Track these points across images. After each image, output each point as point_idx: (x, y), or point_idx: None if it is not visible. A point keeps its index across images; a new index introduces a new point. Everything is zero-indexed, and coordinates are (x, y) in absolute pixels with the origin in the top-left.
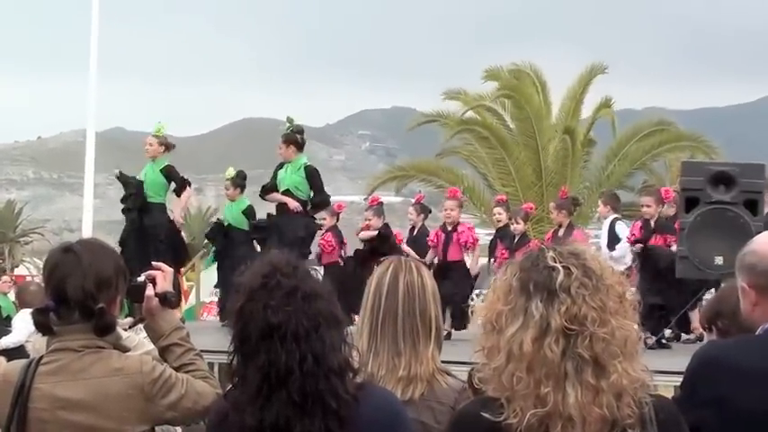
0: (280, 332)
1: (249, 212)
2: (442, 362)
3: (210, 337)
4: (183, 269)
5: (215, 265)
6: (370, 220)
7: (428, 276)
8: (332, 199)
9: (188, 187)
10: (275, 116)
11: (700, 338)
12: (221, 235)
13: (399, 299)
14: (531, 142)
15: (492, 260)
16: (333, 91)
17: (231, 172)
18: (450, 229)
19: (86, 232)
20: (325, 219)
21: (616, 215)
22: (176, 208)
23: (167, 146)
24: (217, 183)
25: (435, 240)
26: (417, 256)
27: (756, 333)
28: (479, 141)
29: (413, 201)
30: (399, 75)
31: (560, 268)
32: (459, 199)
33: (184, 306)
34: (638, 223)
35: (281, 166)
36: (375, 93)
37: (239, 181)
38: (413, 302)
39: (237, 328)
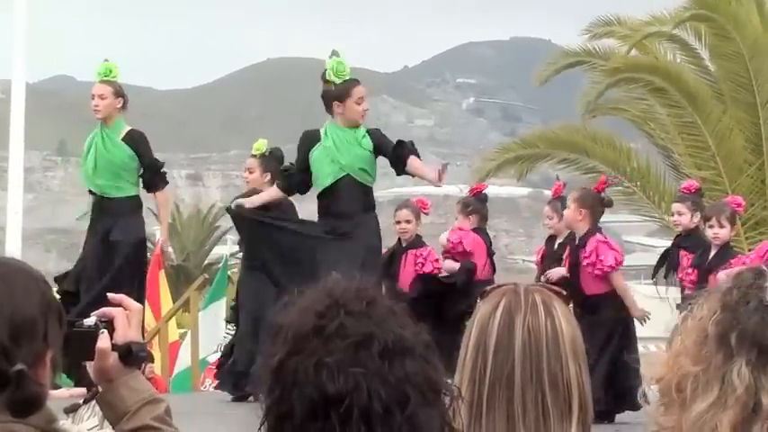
0: (341, 408)
1: None
2: None
3: (215, 419)
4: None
5: (222, 302)
6: (407, 222)
7: (564, 318)
8: (412, 191)
9: (163, 186)
10: (317, 55)
11: None
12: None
13: (516, 354)
14: (746, 96)
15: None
16: (416, 19)
17: (262, 145)
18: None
19: (11, 248)
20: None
21: None
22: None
23: (124, 96)
24: (223, 164)
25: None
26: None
27: None
28: (655, 95)
29: (549, 192)
30: None
31: None
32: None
33: (175, 370)
34: None
35: (314, 137)
36: (484, 18)
37: (272, 162)
38: (538, 360)
39: (273, 399)
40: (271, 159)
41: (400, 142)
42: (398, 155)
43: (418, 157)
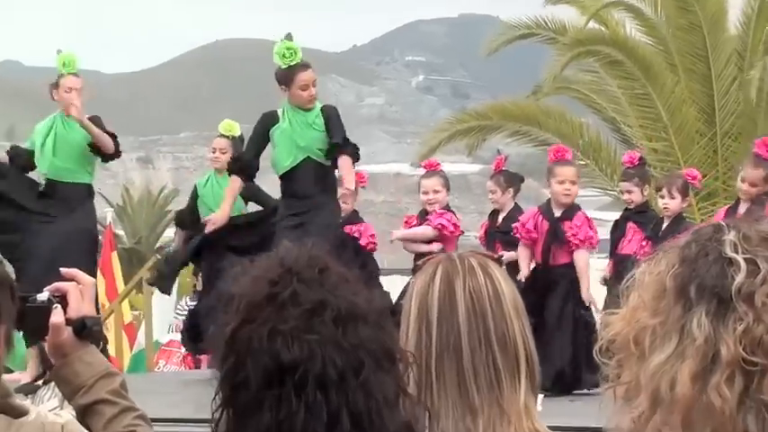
0: (296, 375)
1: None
2: None
3: (170, 398)
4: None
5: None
6: (435, 192)
7: (503, 278)
8: (357, 168)
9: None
10: (265, 35)
11: None
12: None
13: (461, 320)
14: (701, 68)
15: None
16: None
17: (235, 127)
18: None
19: None
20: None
21: None
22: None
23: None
24: (173, 147)
25: None
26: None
27: None
28: (607, 67)
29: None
30: None
31: (741, 262)
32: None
33: (129, 351)
34: None
35: (273, 118)
36: None
37: (241, 147)
38: (484, 321)
39: (227, 368)
40: (240, 144)
41: (345, 140)
42: (334, 149)
43: (355, 158)
